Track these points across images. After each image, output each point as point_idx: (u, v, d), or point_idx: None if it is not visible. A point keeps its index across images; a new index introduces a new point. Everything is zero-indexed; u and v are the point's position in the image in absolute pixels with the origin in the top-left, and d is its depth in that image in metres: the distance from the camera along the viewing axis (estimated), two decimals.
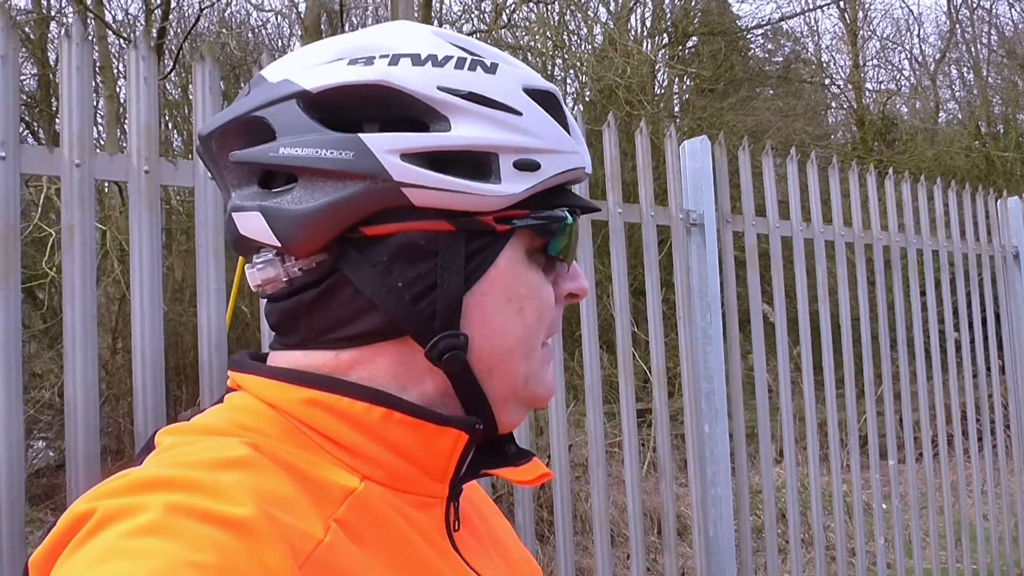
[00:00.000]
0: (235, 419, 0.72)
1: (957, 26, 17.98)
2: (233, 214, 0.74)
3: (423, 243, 0.71)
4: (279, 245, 0.72)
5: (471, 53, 0.76)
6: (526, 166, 0.73)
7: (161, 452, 0.68)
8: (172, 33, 10.85)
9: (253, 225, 0.72)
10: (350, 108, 0.71)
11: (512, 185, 0.72)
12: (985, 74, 18.15)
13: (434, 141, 0.70)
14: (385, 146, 0.70)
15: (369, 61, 0.72)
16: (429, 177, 0.70)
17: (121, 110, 9.14)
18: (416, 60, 0.72)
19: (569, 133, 0.78)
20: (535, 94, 0.75)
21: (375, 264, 0.71)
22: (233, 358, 0.79)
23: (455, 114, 0.71)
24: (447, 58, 0.73)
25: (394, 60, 0.72)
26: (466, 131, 0.71)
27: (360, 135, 0.70)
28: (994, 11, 18.13)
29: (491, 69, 0.74)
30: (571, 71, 12.22)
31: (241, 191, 0.73)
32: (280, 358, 0.76)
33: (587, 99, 11.73)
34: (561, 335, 2.33)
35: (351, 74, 0.71)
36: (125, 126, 9.89)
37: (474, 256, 0.73)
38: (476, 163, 0.71)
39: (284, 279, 0.74)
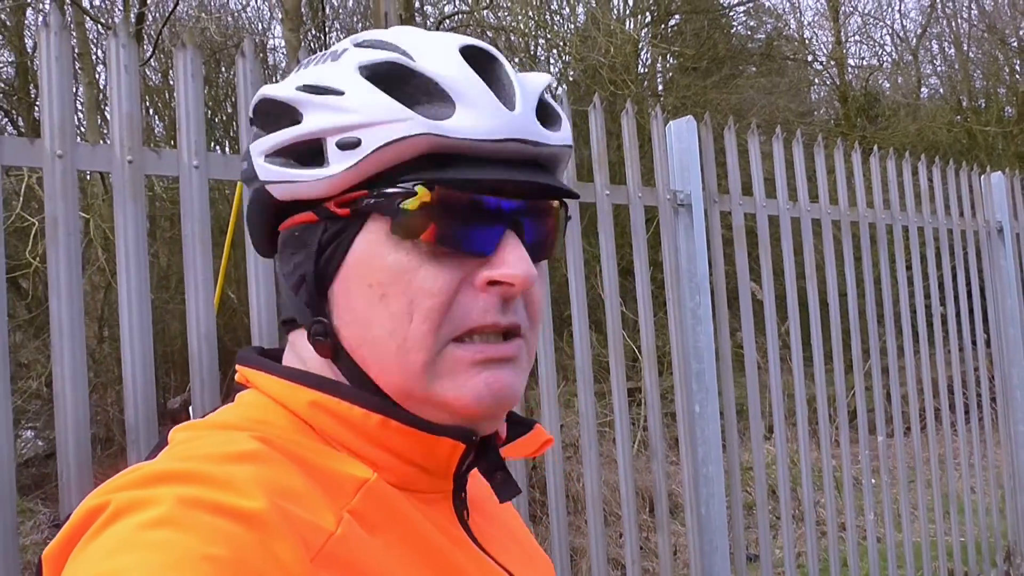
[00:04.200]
0: (247, 415, 0.74)
1: (938, 1, 17.98)
2: None
3: (297, 234, 0.75)
4: None
5: (360, 45, 0.76)
6: (347, 144, 0.70)
7: (173, 447, 0.70)
8: (151, 18, 10.72)
9: None
10: (257, 122, 0.78)
11: (337, 166, 0.71)
12: (966, 48, 18.19)
13: (279, 137, 0.74)
14: (257, 150, 0.76)
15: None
16: (274, 172, 0.74)
17: (101, 96, 9.05)
18: (300, 67, 0.78)
19: (424, 101, 0.70)
20: (373, 68, 0.72)
21: (278, 258, 0.78)
22: (241, 353, 0.80)
23: (304, 108, 0.73)
24: (316, 58, 0.77)
25: (296, 71, 0.78)
26: (307, 122, 0.72)
27: (250, 144, 0.77)
28: None
29: (338, 56, 0.74)
30: (554, 51, 12.17)
31: None
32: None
33: (571, 79, 11.69)
34: (550, 317, 2.34)
35: (257, 94, 0.77)
36: (106, 113, 9.80)
37: (330, 243, 0.73)
38: (312, 151, 0.72)
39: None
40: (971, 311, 3.88)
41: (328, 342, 0.74)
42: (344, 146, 0.71)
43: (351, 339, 0.73)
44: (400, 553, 0.68)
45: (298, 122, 0.73)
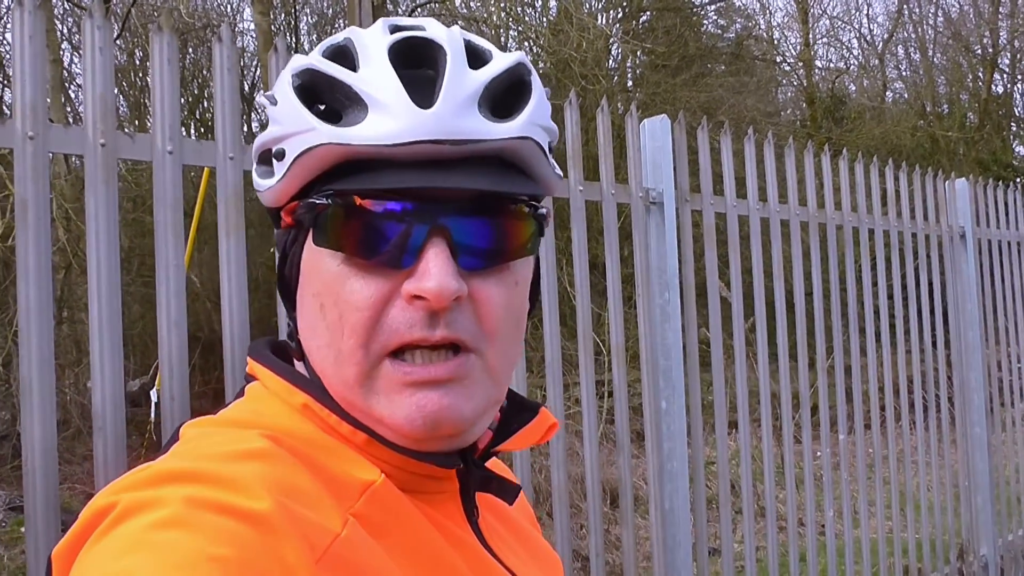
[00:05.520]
0: (257, 410, 0.74)
1: (905, 7, 18.22)
2: None
3: (278, 238, 0.77)
4: None
5: (322, 49, 0.75)
6: (279, 155, 0.71)
7: (182, 444, 0.69)
8: None
9: None
10: None
11: (275, 177, 0.72)
12: (931, 54, 18.46)
13: (254, 147, 0.76)
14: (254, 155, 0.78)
15: (291, 53, 0.80)
16: (255, 179, 0.77)
17: (65, 74, 8.89)
18: None
19: (348, 108, 0.69)
20: (300, 75, 0.72)
21: None
22: (252, 345, 0.81)
23: (269, 116, 0.75)
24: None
25: None
26: (266, 131, 0.74)
27: None
28: None
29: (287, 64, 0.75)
30: (526, 43, 12.15)
31: None
32: None
33: (542, 72, 11.68)
34: None
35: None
36: (70, 92, 9.63)
37: (289, 250, 0.75)
38: (268, 160, 0.74)
39: None
40: (932, 314, 3.95)
41: (295, 346, 0.77)
42: (277, 156, 0.72)
43: (306, 344, 0.75)
44: (404, 557, 0.68)
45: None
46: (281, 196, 0.72)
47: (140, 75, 11.02)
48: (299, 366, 0.77)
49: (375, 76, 0.68)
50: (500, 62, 0.72)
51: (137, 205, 9.14)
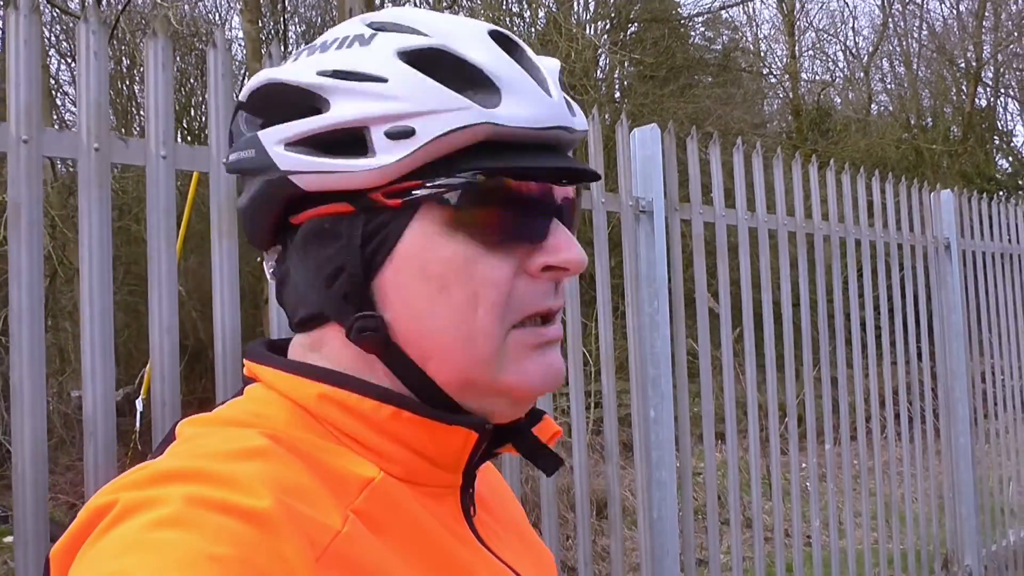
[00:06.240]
0: (254, 410, 0.73)
1: (890, 20, 18.39)
2: None
3: (327, 226, 0.72)
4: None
5: (382, 29, 0.73)
6: (399, 134, 0.68)
7: (180, 443, 0.69)
8: (106, 3, 10.53)
9: None
10: (263, 109, 0.74)
11: (386, 156, 0.68)
12: (915, 67, 18.62)
13: (308, 125, 0.70)
14: (273, 138, 0.72)
15: (284, 60, 0.77)
16: (305, 162, 0.70)
17: (52, 81, 8.86)
18: (311, 50, 0.74)
19: (469, 89, 0.69)
20: (415, 55, 0.70)
21: (297, 251, 0.74)
22: (249, 347, 0.79)
23: (332, 95, 0.70)
24: (335, 40, 0.74)
25: (296, 56, 0.76)
26: (339, 109, 0.70)
27: (258, 132, 0.73)
28: (925, 6, 18.59)
29: (367, 41, 0.72)
30: None
31: None
32: (294, 340, 0.80)
33: None
34: None
35: (257, 78, 0.74)
36: (56, 100, 9.60)
37: (375, 235, 0.71)
38: (351, 140, 0.70)
39: (270, 271, 0.79)
40: (917, 324, 3.98)
41: (378, 336, 0.72)
42: (395, 135, 0.68)
43: (407, 333, 0.72)
44: (404, 553, 0.68)
45: (320, 110, 0.70)
46: (386, 176, 0.69)
47: (128, 83, 11.00)
48: (350, 361, 0.74)
49: (495, 61, 0.71)
50: (551, 63, 0.76)
51: (123, 213, 9.11)
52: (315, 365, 0.75)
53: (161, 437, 1.59)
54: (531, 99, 0.70)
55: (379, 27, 0.73)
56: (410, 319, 0.71)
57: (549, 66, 0.75)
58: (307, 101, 0.71)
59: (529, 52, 0.74)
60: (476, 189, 0.69)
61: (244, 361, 0.79)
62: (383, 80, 0.69)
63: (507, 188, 0.70)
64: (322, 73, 0.70)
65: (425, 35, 0.71)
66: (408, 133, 0.68)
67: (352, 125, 0.69)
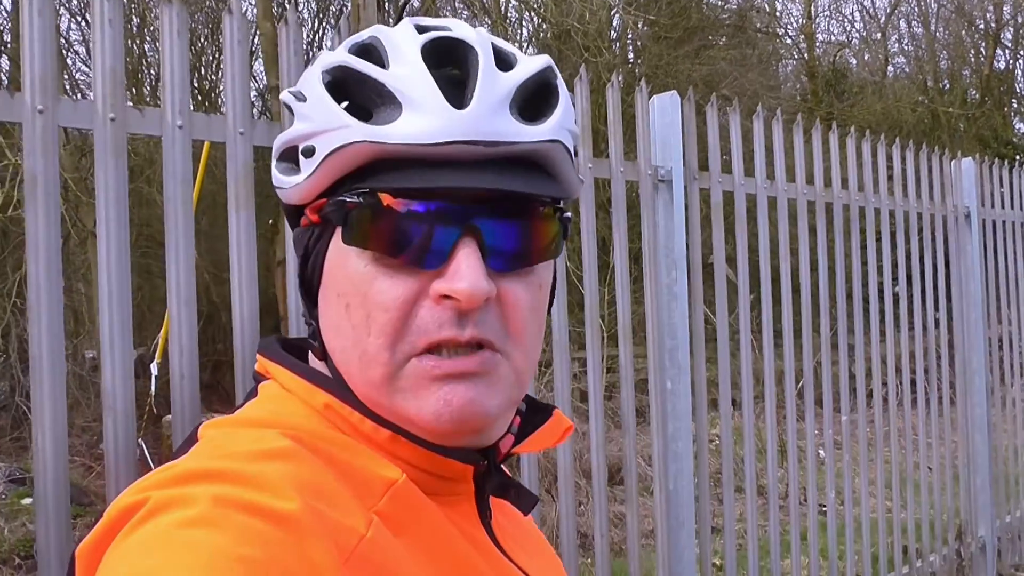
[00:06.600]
0: (274, 409, 0.73)
1: None
2: None
3: (299, 236, 0.76)
4: None
5: (350, 48, 0.74)
6: (307, 152, 0.70)
7: (204, 444, 0.69)
8: None
9: None
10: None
11: (303, 174, 0.71)
12: (933, 28, 18.34)
13: (278, 142, 0.75)
14: (275, 153, 0.77)
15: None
16: (276, 175, 0.76)
17: (63, 42, 8.80)
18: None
19: (379, 105, 0.68)
20: (333, 71, 0.71)
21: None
22: (263, 342, 0.80)
23: (294, 112, 0.74)
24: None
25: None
26: (291, 127, 0.74)
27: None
28: None
29: (314, 61, 0.74)
30: (527, 13, 12.06)
31: None
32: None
33: (544, 42, 11.59)
34: None
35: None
36: (67, 59, 9.54)
37: (313, 248, 0.74)
38: (292, 157, 0.73)
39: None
40: (935, 293, 3.95)
41: (317, 347, 0.75)
42: (305, 153, 0.71)
43: (329, 344, 0.74)
44: (424, 556, 0.68)
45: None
46: (307, 194, 0.72)
47: (138, 42, 10.91)
48: (319, 365, 0.76)
49: (409, 75, 0.69)
50: (529, 65, 0.73)
51: (134, 175, 9.08)
52: (321, 373, 0.76)
53: (181, 406, 1.60)
54: (431, 113, 0.66)
55: (351, 44, 0.74)
56: (329, 331, 0.73)
57: (519, 71, 0.71)
58: (290, 118, 0.75)
59: (483, 58, 0.70)
60: (362, 208, 0.68)
61: (257, 356, 0.79)
62: (304, 100, 0.72)
63: (391, 209, 0.67)
64: (290, 90, 0.75)
65: (345, 52, 0.73)
66: (310, 152, 0.70)
67: (290, 143, 0.73)
